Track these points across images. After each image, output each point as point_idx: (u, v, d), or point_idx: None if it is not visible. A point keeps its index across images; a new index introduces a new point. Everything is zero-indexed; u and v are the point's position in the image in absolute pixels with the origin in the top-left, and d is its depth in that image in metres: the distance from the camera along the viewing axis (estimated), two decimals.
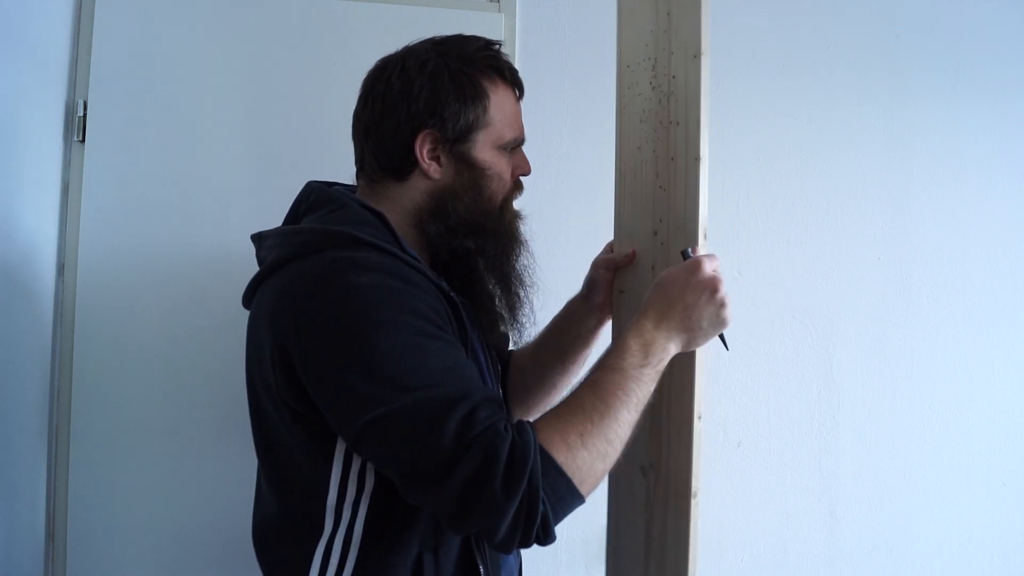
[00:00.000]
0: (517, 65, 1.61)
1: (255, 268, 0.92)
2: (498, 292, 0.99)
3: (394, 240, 0.89)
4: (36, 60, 1.28)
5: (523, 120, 1.00)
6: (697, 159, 0.97)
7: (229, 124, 1.44)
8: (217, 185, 1.43)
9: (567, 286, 1.16)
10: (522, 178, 1.01)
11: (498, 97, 0.95)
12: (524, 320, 1.02)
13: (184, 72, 1.43)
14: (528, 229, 1.01)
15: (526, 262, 1.01)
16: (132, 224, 1.40)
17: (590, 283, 1.12)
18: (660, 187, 1.01)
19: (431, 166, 0.93)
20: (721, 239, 1.66)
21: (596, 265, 1.12)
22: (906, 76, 1.77)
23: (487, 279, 0.99)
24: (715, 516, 1.63)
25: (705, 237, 0.97)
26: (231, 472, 1.36)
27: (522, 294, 1.00)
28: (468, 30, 0.98)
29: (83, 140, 1.39)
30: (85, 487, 1.37)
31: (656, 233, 1.02)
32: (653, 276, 1.00)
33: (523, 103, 1.01)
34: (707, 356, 0.97)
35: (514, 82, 0.98)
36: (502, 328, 1.04)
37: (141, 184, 1.40)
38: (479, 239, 0.96)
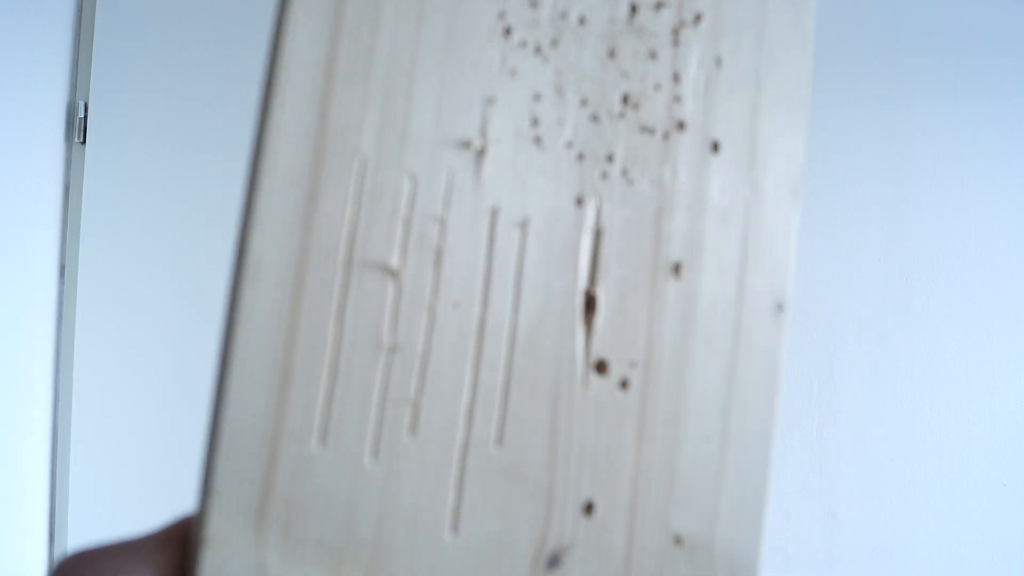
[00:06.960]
0: None
1: None
2: None
3: None
4: (36, 61, 1.28)
5: None
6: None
7: (231, 125, 1.44)
8: (219, 186, 1.43)
9: None
10: None
11: None
12: None
13: (186, 73, 1.43)
14: None
15: None
16: (134, 225, 1.40)
17: None
18: None
19: None
20: None
21: None
22: (906, 74, 1.76)
23: None
24: None
25: None
26: None
27: None
28: None
29: (84, 142, 1.39)
30: (86, 488, 1.37)
31: None
32: None
33: None
34: None
35: None
36: None
37: (143, 185, 1.40)
38: None
